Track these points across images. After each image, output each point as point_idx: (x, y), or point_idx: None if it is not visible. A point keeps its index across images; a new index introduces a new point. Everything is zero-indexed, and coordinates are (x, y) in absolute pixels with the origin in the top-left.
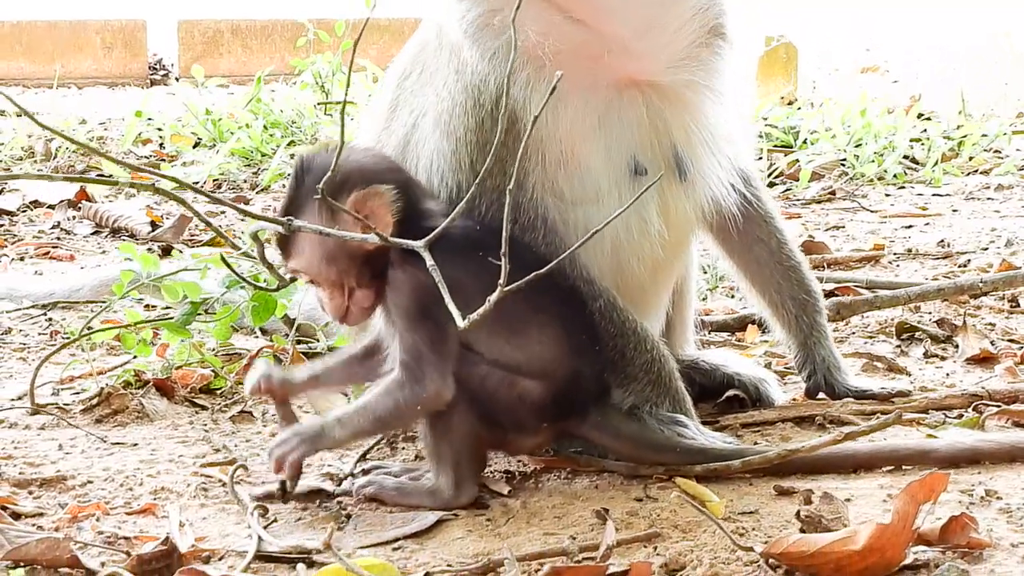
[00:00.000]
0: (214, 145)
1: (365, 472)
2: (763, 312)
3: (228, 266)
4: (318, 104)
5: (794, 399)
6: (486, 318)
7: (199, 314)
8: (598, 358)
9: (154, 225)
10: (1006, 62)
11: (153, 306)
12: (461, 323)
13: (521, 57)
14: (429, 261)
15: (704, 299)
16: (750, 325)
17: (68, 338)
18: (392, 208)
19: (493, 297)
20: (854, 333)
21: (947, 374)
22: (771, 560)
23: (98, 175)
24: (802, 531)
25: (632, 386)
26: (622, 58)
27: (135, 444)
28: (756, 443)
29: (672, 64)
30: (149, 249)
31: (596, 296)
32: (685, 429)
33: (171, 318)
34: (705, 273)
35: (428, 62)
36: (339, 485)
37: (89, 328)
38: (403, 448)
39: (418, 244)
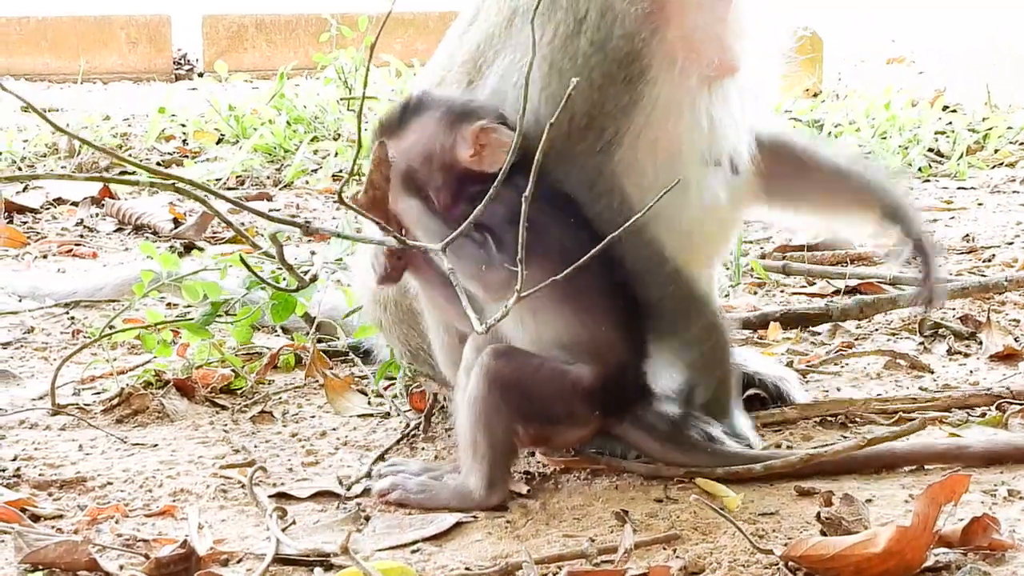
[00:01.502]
0: (237, 141)
1: (383, 475)
2: (844, 222)
3: (248, 267)
4: (341, 100)
5: (816, 398)
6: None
7: (219, 314)
8: (645, 352)
9: (176, 222)
10: None
11: (175, 304)
12: (479, 328)
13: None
14: (446, 264)
15: (726, 296)
16: (772, 322)
17: (89, 338)
18: (507, 153)
19: (511, 303)
20: (877, 330)
21: (970, 371)
22: (790, 563)
23: (122, 172)
24: (822, 533)
25: (687, 355)
26: (717, 52)
27: (155, 445)
28: (778, 443)
29: (756, 61)
30: (171, 247)
31: (663, 262)
32: (714, 430)
33: (191, 318)
34: (727, 269)
35: None
36: (354, 486)
37: (111, 327)
38: (423, 448)
39: (436, 247)
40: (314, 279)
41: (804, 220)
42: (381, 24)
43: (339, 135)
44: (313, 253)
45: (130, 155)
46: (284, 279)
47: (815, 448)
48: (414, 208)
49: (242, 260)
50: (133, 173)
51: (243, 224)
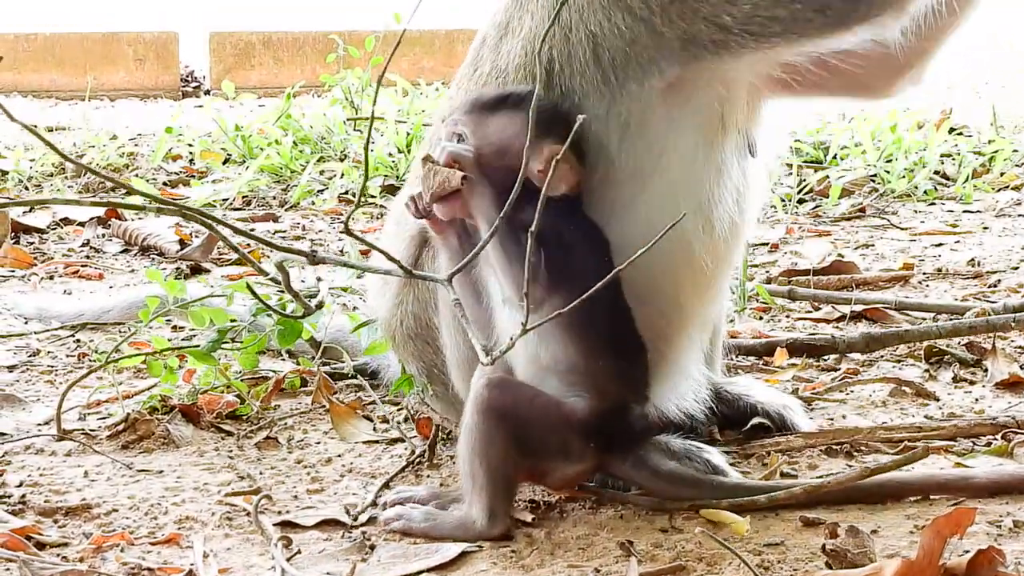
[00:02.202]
0: (244, 161)
1: (389, 503)
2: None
3: (254, 295)
4: (348, 120)
5: (821, 426)
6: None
7: (225, 340)
8: (646, 388)
9: (182, 243)
10: None
11: (181, 327)
12: (484, 359)
13: None
14: (452, 295)
15: (732, 321)
16: (778, 349)
17: (95, 361)
18: (576, 177)
19: (516, 335)
20: (883, 356)
21: (976, 399)
22: None
23: (128, 193)
24: (828, 565)
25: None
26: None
27: (160, 471)
28: (782, 471)
29: None
30: (177, 268)
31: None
32: (717, 459)
33: (197, 343)
34: (732, 294)
35: None
36: (360, 515)
37: (118, 352)
38: (428, 476)
39: (440, 278)
40: (320, 306)
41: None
42: (394, 45)
43: (345, 156)
44: (319, 279)
45: (136, 175)
46: (290, 305)
47: (819, 477)
48: (484, 194)
49: (248, 288)
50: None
51: (249, 247)
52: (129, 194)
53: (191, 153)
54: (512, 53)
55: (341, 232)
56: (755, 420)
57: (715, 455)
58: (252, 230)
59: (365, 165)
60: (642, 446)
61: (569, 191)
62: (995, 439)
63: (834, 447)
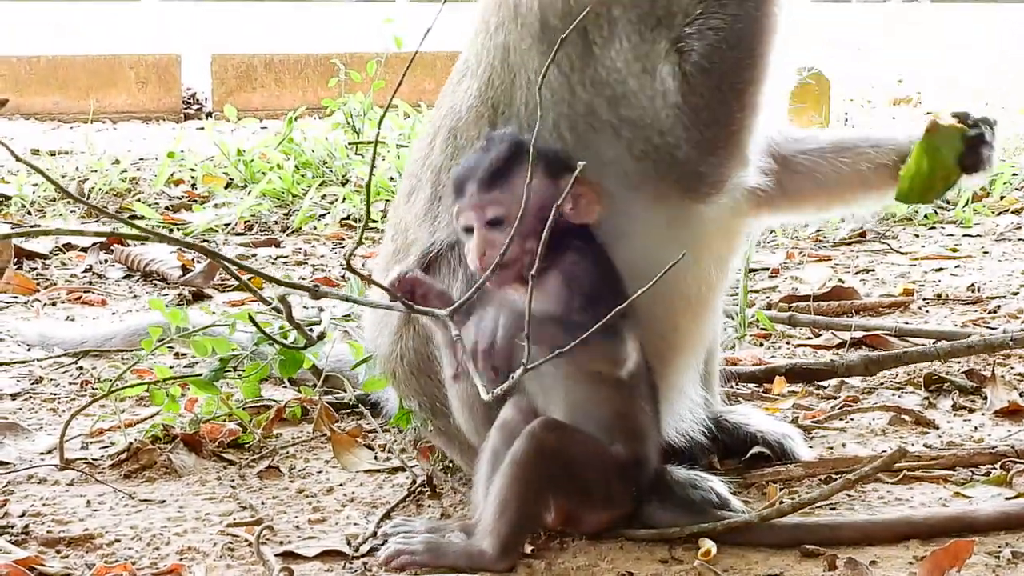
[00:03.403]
0: (246, 186)
1: (388, 535)
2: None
3: (256, 325)
4: (349, 144)
5: (820, 455)
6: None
7: (228, 369)
8: (662, 429)
9: (185, 269)
10: None
11: (183, 355)
12: (485, 396)
13: None
14: (454, 331)
15: (732, 348)
16: (778, 377)
17: (98, 389)
18: (601, 206)
19: (517, 374)
20: (882, 384)
21: (975, 427)
22: None
23: (131, 215)
24: None
25: None
26: None
27: (163, 501)
28: (782, 500)
29: None
30: (179, 294)
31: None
32: (719, 488)
33: (199, 372)
34: (732, 320)
35: None
36: (361, 546)
37: (121, 380)
38: (429, 506)
39: (443, 312)
40: (322, 336)
41: (821, 211)
42: (397, 69)
43: (347, 180)
44: (321, 309)
45: (139, 199)
46: (292, 334)
47: (820, 506)
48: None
49: (251, 318)
50: (143, 218)
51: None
52: (133, 217)
53: (193, 178)
54: (469, 92)
55: (342, 265)
56: (755, 449)
57: (717, 484)
58: (254, 255)
59: (367, 201)
60: (663, 483)
61: (599, 218)
62: (994, 468)
63: (834, 476)
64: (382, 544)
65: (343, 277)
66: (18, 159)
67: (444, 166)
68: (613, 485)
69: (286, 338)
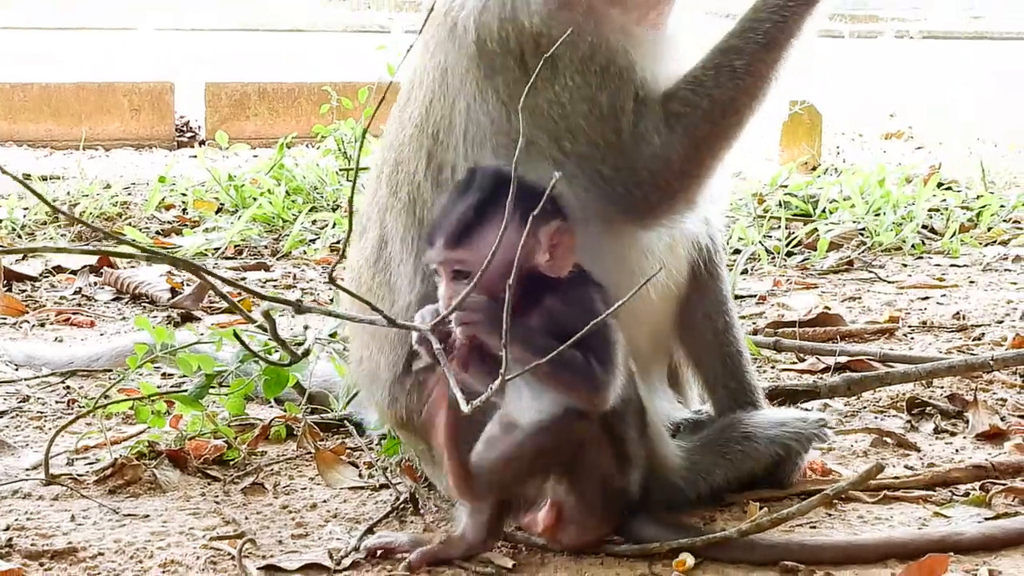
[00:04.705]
0: (236, 211)
1: (369, 548)
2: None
3: (242, 343)
4: (340, 170)
5: (802, 474)
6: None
7: (213, 386)
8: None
9: (174, 292)
10: None
11: (170, 375)
12: (465, 407)
13: None
14: (436, 344)
15: None
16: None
17: (84, 406)
18: (575, 253)
19: (495, 384)
20: (865, 407)
21: (956, 450)
22: None
23: (120, 243)
24: None
25: None
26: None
27: (147, 516)
28: (762, 520)
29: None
30: (168, 316)
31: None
32: None
33: (185, 389)
34: None
35: None
36: (343, 559)
37: (106, 397)
38: (412, 522)
39: (424, 327)
40: (307, 353)
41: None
42: (383, 97)
43: (338, 205)
44: (307, 327)
45: (130, 223)
46: (277, 352)
47: (801, 525)
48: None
49: (236, 335)
50: (132, 243)
51: (239, 295)
52: (121, 242)
53: (184, 202)
54: (412, 119)
55: (326, 281)
56: None
57: None
58: (243, 279)
59: (350, 215)
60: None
61: (570, 264)
62: (973, 488)
63: (812, 492)
64: (364, 558)
65: (331, 300)
66: (15, 179)
67: (389, 206)
68: (610, 505)
69: (271, 355)
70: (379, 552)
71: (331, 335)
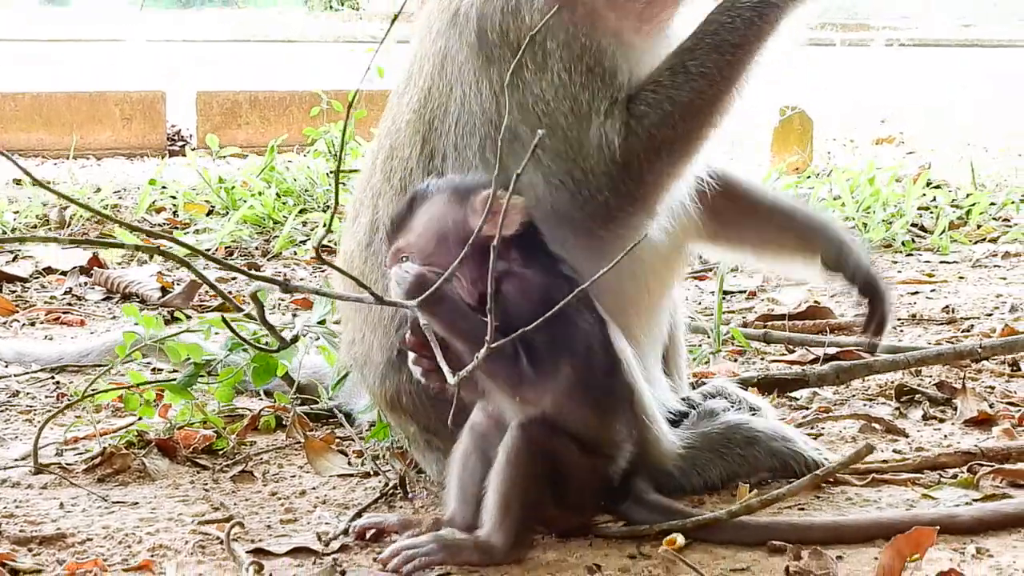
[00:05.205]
0: (227, 213)
1: (357, 530)
2: (789, 264)
3: (229, 327)
4: (330, 172)
5: None
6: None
7: (202, 376)
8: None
9: (164, 291)
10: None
11: (160, 369)
12: (451, 379)
13: None
14: (423, 320)
15: (707, 363)
16: (750, 387)
17: (74, 397)
18: (522, 217)
19: (481, 353)
20: (854, 396)
21: (945, 435)
22: None
23: (115, 224)
24: None
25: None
26: None
27: (135, 503)
28: (751, 501)
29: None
30: (159, 315)
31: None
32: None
33: (175, 380)
34: (707, 336)
35: None
36: (332, 542)
37: (93, 389)
38: (400, 507)
39: (410, 304)
40: (295, 339)
41: (748, 259)
42: (351, 99)
43: (328, 207)
44: (295, 315)
45: (120, 226)
46: (266, 340)
47: (790, 507)
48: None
49: (224, 320)
50: (119, 239)
51: (231, 294)
52: (121, 224)
53: (175, 205)
54: (410, 105)
55: (313, 256)
56: (725, 416)
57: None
58: (233, 279)
59: (336, 193)
60: (635, 485)
61: (522, 227)
62: (961, 471)
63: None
64: (353, 540)
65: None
66: (27, 174)
67: (383, 191)
68: (586, 486)
69: (259, 343)
70: (368, 533)
71: (319, 322)
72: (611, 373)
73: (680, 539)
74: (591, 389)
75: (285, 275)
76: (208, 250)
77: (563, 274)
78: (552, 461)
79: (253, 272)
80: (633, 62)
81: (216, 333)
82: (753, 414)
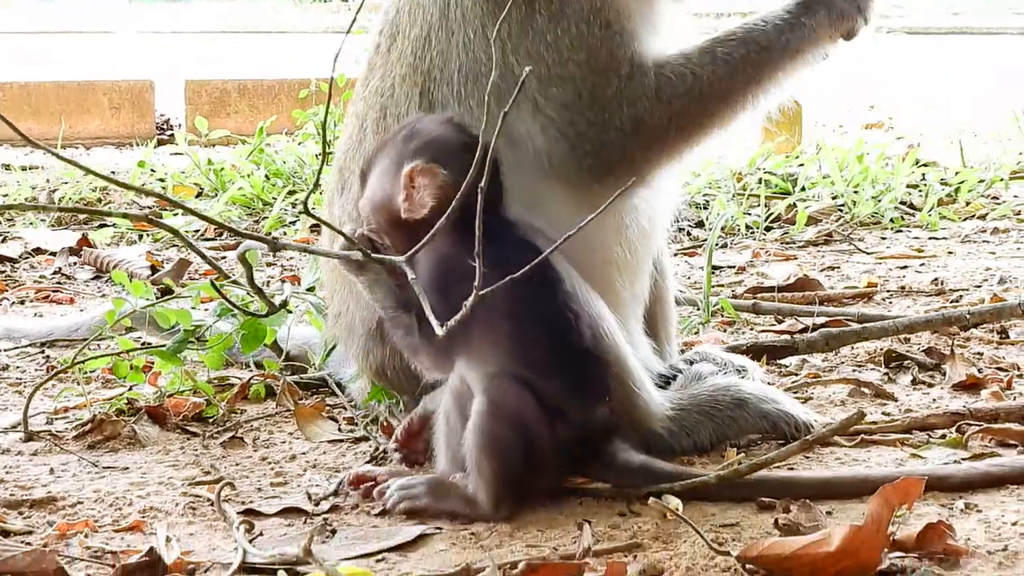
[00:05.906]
0: (216, 195)
1: (348, 480)
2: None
3: (217, 290)
4: (319, 154)
5: None
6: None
7: (191, 342)
8: (607, 392)
9: (154, 269)
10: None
11: (150, 344)
12: (439, 330)
13: None
14: (411, 275)
15: (696, 332)
16: (741, 354)
17: (64, 365)
18: (438, 193)
19: (469, 301)
20: (843, 362)
21: (933, 399)
22: (747, 564)
23: (101, 224)
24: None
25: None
26: None
27: (126, 468)
28: (739, 462)
29: None
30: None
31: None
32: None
33: (163, 346)
34: (697, 308)
35: None
36: (322, 502)
37: (83, 356)
38: (391, 461)
39: (400, 259)
40: (284, 304)
41: None
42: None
43: (318, 186)
44: (283, 281)
45: (109, 208)
46: (255, 307)
47: (777, 466)
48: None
49: (212, 284)
50: (114, 225)
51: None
52: (103, 226)
53: (163, 188)
54: (402, 59)
55: (301, 211)
56: (712, 379)
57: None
58: (224, 258)
59: (316, 180)
60: (610, 446)
61: (444, 202)
62: (949, 431)
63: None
64: (346, 488)
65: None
66: (52, 153)
67: None
68: (549, 455)
69: (248, 308)
70: (360, 483)
71: (309, 289)
72: (568, 334)
73: (676, 501)
74: (544, 351)
75: (274, 254)
76: (197, 231)
77: (517, 239)
78: (520, 422)
79: (242, 231)
80: (653, 26)
81: (206, 309)
82: (741, 376)
